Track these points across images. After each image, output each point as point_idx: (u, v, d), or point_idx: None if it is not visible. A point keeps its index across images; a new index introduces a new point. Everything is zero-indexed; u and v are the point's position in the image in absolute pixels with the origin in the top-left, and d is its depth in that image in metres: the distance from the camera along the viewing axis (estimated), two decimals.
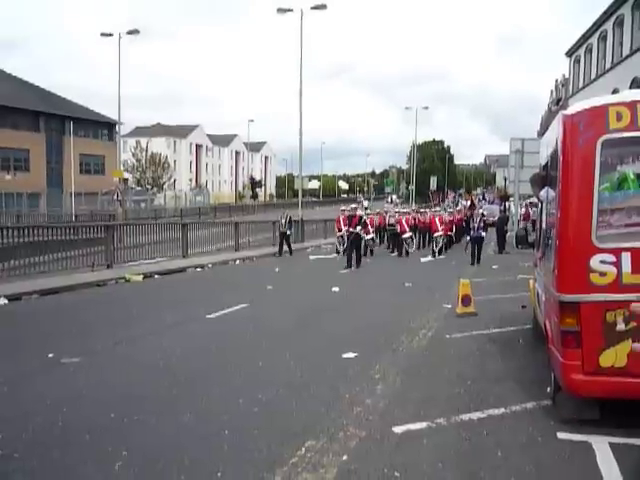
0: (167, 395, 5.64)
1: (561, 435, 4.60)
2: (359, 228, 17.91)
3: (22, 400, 5.48)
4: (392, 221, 24.37)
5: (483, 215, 21.26)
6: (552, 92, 53.98)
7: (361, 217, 18.42)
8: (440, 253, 22.21)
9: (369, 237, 22.11)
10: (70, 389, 5.81)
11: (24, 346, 7.62)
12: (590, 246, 4.58)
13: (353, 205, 20.15)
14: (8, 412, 5.13)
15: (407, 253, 22.54)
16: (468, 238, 19.62)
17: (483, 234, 19.28)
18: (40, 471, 4.02)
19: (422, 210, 28.89)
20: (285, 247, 22.84)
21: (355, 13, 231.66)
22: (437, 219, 23.06)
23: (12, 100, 46.10)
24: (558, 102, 43.01)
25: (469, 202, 32.38)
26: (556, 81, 51.07)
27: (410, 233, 22.87)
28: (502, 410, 5.19)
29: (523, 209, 28.92)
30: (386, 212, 27.24)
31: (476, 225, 19.17)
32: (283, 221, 23.07)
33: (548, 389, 5.35)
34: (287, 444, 4.45)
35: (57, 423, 4.85)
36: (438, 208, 31.84)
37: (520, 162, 24.81)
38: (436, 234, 22.41)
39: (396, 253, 22.98)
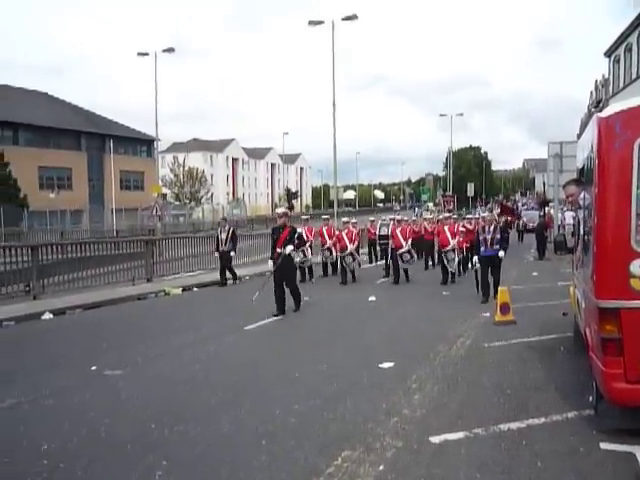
0: (206, 406, 5.73)
1: (604, 445, 4.49)
2: (290, 248, 10.98)
3: (67, 412, 5.64)
4: (384, 232, 17.99)
5: (508, 222, 16.40)
6: (592, 93, 52.85)
7: (293, 230, 11.38)
8: (453, 276, 15.83)
9: (346, 253, 16.39)
10: (112, 401, 5.97)
11: (69, 359, 7.85)
12: (629, 250, 4.48)
13: (281, 210, 12.26)
14: (54, 423, 5.29)
15: (406, 275, 16.20)
16: (475, 259, 12.61)
17: (500, 252, 12.18)
18: None
19: (443, 216, 19.70)
20: (229, 273, 16.56)
21: (389, 22, 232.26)
22: (447, 229, 15.89)
23: (55, 121, 47.91)
24: (598, 104, 42.10)
25: (499, 209, 26.98)
26: (596, 82, 50.02)
27: (407, 247, 15.89)
28: (542, 420, 5.09)
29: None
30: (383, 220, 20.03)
31: (488, 238, 12.24)
32: (224, 236, 16.47)
33: (590, 398, 5.23)
34: (324, 454, 4.46)
35: (100, 434, 4.98)
36: (447, 214, 21.63)
37: (559, 166, 24.36)
38: (446, 248, 15.55)
39: (391, 278, 16.24)
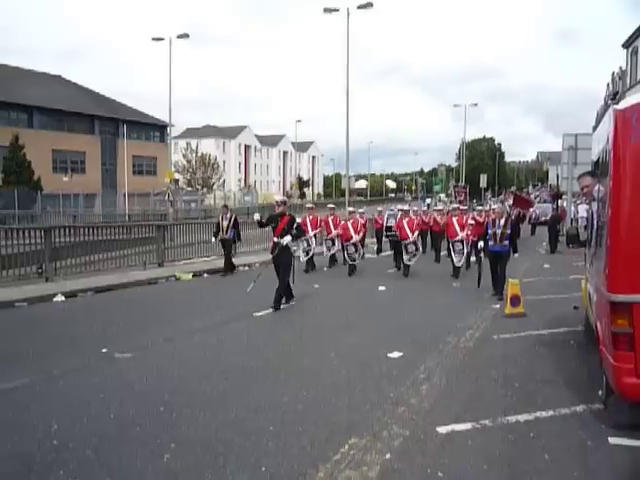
0: (214, 390, 5.77)
1: (613, 440, 4.48)
2: (287, 239, 10.42)
3: (77, 393, 5.71)
4: (392, 223, 16.88)
5: (521, 216, 15.58)
6: (608, 85, 52.10)
7: (292, 219, 10.75)
8: (458, 270, 15.00)
9: (350, 242, 15.83)
10: (122, 383, 6.02)
11: (80, 341, 7.92)
12: None
13: (279, 197, 11.61)
14: (64, 404, 5.36)
15: (406, 268, 15.33)
16: (481, 244, 12.16)
17: (516, 255, 11.74)
18: (93, 461, 4.19)
19: (451, 207, 18.70)
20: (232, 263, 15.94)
21: (404, 11, 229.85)
22: (455, 220, 15.41)
23: (70, 105, 48.04)
24: (615, 96, 41.48)
25: (510, 200, 26.16)
26: (613, 74, 49.27)
27: (413, 239, 15.32)
28: (550, 413, 5.08)
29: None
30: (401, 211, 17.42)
31: (498, 232, 11.46)
32: (225, 224, 15.78)
33: (600, 392, 5.21)
34: (330, 441, 4.48)
35: (109, 415, 5.04)
36: (455, 204, 20.89)
37: (573, 158, 24.14)
38: (455, 239, 15.14)
39: (398, 269, 15.92)
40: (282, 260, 10.56)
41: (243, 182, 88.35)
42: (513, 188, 75.05)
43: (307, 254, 16.17)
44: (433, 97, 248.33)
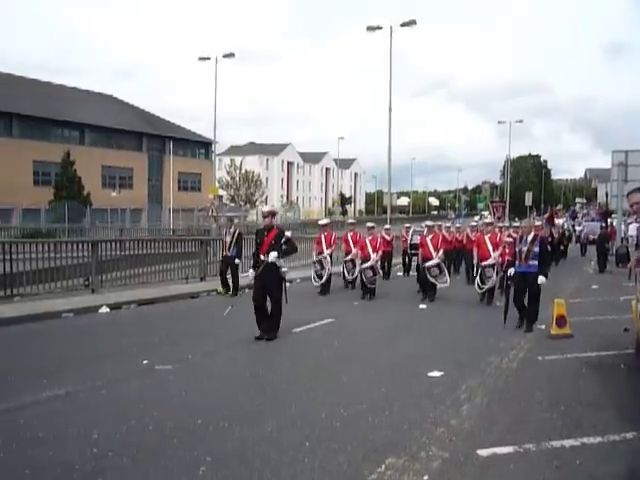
0: (252, 405, 5.76)
1: None
2: (274, 255, 8.87)
3: (118, 403, 5.79)
4: (416, 240, 15.87)
5: (567, 235, 15.00)
6: None
7: (280, 233, 9.28)
8: (492, 296, 13.30)
9: (366, 265, 14.12)
10: (162, 394, 6.09)
11: (122, 352, 8.05)
12: None
13: (266, 208, 10.75)
14: (105, 413, 5.44)
15: (432, 290, 13.77)
16: (511, 271, 10.28)
17: (540, 278, 9.76)
18: (131, 470, 4.22)
19: (483, 223, 17.49)
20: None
21: (448, 27, 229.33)
22: (487, 238, 13.72)
23: (119, 123, 49.73)
24: None
25: (546, 217, 24.64)
26: None
27: (438, 260, 13.67)
28: (598, 439, 4.86)
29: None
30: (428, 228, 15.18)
31: (524, 250, 9.94)
32: (228, 239, 14.34)
33: None
34: (367, 460, 4.40)
35: (148, 426, 5.08)
36: (488, 220, 17.72)
37: (623, 175, 23.45)
38: (485, 262, 13.34)
39: (422, 294, 14.22)
40: (269, 280, 8.95)
41: (285, 198, 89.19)
42: (559, 206, 73.23)
43: (320, 278, 15.18)
44: (477, 113, 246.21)
